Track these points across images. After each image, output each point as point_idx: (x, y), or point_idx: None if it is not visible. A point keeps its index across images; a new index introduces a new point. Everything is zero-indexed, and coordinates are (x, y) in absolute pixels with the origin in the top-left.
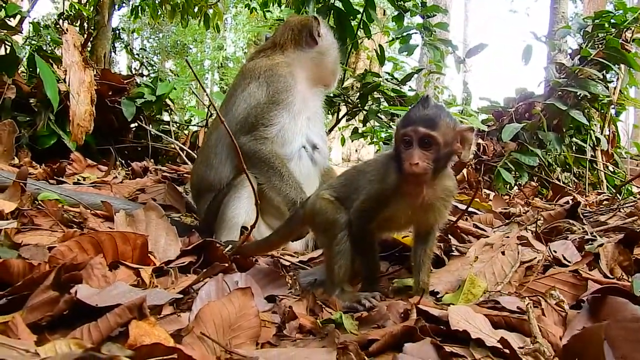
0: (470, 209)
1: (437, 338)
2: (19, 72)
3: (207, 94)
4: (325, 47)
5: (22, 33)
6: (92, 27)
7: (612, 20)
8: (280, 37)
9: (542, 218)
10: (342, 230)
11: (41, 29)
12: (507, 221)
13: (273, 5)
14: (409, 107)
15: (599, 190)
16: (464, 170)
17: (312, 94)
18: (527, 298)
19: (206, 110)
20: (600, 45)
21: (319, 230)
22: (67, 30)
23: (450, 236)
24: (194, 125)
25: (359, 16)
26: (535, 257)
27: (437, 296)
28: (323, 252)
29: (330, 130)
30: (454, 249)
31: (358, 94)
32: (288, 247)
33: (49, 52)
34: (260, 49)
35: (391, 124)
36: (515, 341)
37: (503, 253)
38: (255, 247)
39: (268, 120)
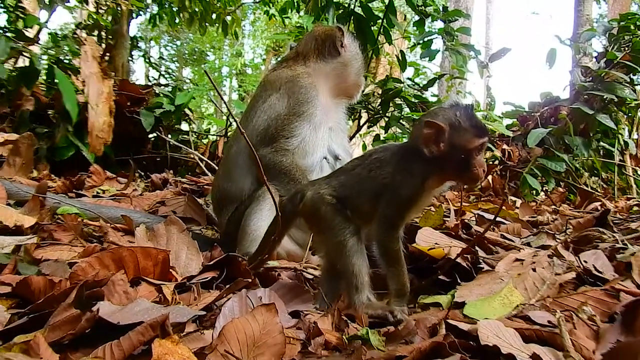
0: (496, 219)
1: (467, 354)
2: (37, 83)
3: (225, 103)
4: (348, 58)
5: (39, 44)
6: (110, 37)
7: (638, 23)
8: (303, 48)
9: (571, 226)
10: (352, 235)
11: (59, 39)
12: (535, 230)
13: (292, 12)
14: (464, 114)
15: (629, 196)
16: (489, 177)
17: (335, 105)
18: (558, 312)
19: (224, 118)
20: (626, 48)
21: (323, 234)
22: (85, 41)
23: (477, 248)
24: (213, 134)
25: (379, 22)
26: (567, 272)
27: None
28: (329, 259)
29: (352, 137)
30: (481, 261)
31: (379, 100)
32: (310, 259)
33: (67, 63)
34: (283, 60)
35: None
36: (547, 356)
37: (534, 270)
38: (255, 256)
39: (289, 131)
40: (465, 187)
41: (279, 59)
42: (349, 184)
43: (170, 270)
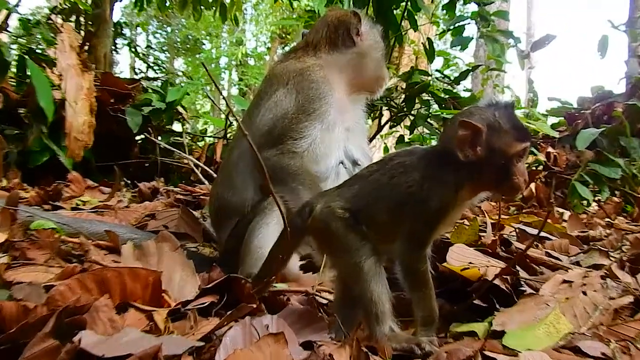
0: (541, 233)
1: None
2: (6, 77)
3: (225, 99)
4: (365, 48)
5: (8, 31)
6: (90, 23)
7: None
8: (314, 36)
9: (627, 243)
10: (369, 256)
11: (31, 26)
12: (586, 247)
13: None
14: (504, 115)
15: None
16: (532, 185)
17: (352, 102)
18: (612, 342)
19: (223, 117)
20: None
21: (336, 255)
22: (62, 27)
23: (518, 267)
24: (210, 136)
25: (402, 4)
26: (623, 296)
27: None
28: (344, 282)
29: (372, 138)
30: (523, 283)
31: (403, 95)
32: (324, 281)
33: (40, 53)
34: (292, 50)
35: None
36: None
37: (585, 293)
38: (260, 277)
39: (297, 132)
40: (503, 198)
41: (286, 49)
42: (364, 193)
43: (163, 294)
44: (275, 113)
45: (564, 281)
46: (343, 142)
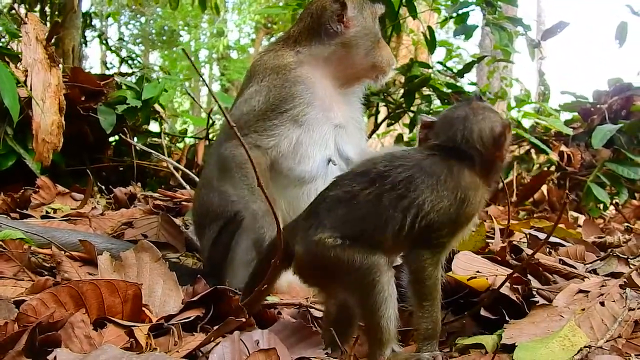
0: (554, 239)
1: None
2: None
3: (211, 92)
4: (350, 37)
5: None
6: (57, 13)
7: None
8: (296, 27)
9: None
10: (384, 270)
11: None
12: (603, 254)
13: None
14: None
15: None
16: (544, 187)
17: (344, 96)
18: (632, 356)
19: (204, 115)
20: None
21: (341, 282)
22: (26, 18)
23: (530, 276)
24: (191, 136)
25: None
26: None
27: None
28: (342, 303)
29: (368, 138)
30: (535, 293)
31: (402, 90)
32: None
33: (3, 47)
34: (274, 42)
35: None
36: None
37: (602, 304)
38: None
39: (264, 129)
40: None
41: (272, 40)
42: (358, 217)
43: (143, 308)
44: (241, 109)
45: (580, 291)
46: (333, 140)
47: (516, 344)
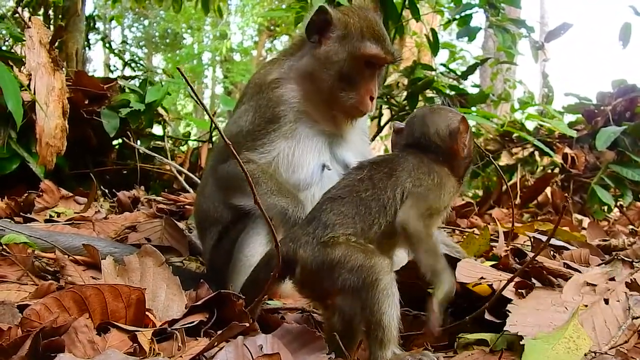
0: (558, 242)
1: None
2: None
3: (201, 105)
4: (320, 53)
5: None
6: (61, 17)
7: None
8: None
9: None
10: (387, 271)
11: None
12: (607, 257)
13: None
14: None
15: None
16: (548, 190)
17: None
18: None
19: (207, 118)
20: None
21: (345, 282)
22: (30, 22)
23: (533, 279)
24: (194, 139)
25: None
26: None
27: (522, 342)
28: (345, 308)
29: (371, 140)
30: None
31: (405, 93)
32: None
33: (7, 51)
34: (277, 53)
35: None
36: None
37: (606, 302)
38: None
39: (254, 147)
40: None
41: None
42: (363, 207)
43: (147, 313)
44: (232, 130)
45: (587, 284)
46: (327, 147)
47: (519, 333)
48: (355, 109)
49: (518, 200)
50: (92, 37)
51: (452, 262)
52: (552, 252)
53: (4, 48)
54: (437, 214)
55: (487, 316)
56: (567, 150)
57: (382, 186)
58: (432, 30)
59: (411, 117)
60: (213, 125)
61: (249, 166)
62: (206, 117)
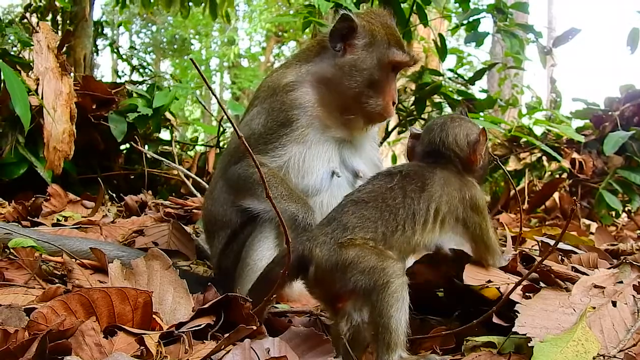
0: (566, 246)
1: None
2: None
3: (218, 101)
4: (345, 62)
5: None
6: (69, 22)
7: None
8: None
9: None
10: (399, 275)
11: (4, 25)
12: (616, 262)
13: None
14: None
15: None
16: (556, 194)
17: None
18: None
19: (215, 123)
20: None
21: (357, 284)
22: (38, 27)
23: (542, 283)
24: (202, 144)
25: None
26: None
27: (530, 344)
28: (358, 308)
29: (379, 145)
30: None
31: (412, 98)
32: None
33: (15, 56)
34: (290, 57)
35: None
36: None
37: (614, 304)
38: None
39: (265, 151)
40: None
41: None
42: (388, 215)
43: (154, 316)
44: (244, 132)
45: (595, 286)
46: (337, 154)
47: (527, 335)
48: (380, 115)
49: (526, 205)
50: (100, 42)
51: (462, 259)
52: (560, 256)
53: (12, 53)
54: (486, 214)
55: (495, 319)
56: (575, 155)
57: (414, 196)
58: (440, 35)
59: (430, 125)
60: (221, 128)
61: (262, 169)
62: (214, 122)
